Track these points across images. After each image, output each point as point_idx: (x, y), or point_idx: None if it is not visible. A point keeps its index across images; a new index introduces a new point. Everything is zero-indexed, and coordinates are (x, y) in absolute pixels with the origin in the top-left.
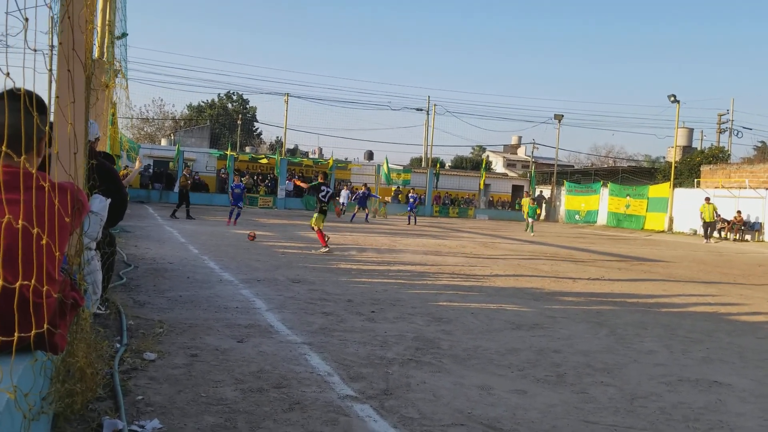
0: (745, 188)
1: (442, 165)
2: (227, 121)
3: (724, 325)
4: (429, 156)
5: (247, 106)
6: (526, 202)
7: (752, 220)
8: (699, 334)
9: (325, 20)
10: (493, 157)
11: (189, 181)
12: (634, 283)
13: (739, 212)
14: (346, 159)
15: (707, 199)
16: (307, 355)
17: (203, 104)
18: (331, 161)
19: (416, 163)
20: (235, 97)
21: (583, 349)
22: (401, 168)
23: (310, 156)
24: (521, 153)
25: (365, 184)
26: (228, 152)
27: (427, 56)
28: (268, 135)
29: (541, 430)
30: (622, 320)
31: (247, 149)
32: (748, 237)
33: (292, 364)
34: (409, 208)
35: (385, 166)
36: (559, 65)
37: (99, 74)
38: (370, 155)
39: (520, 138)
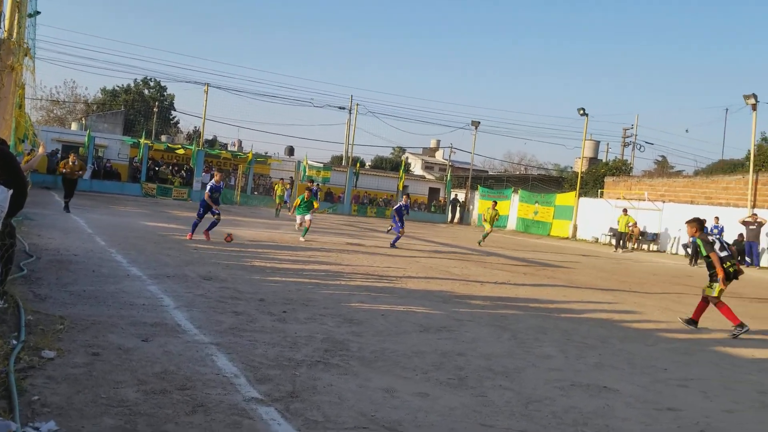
0: (644, 200)
1: (362, 164)
2: (143, 107)
3: (617, 332)
4: (350, 155)
5: (165, 93)
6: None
7: (649, 231)
8: (593, 340)
9: (248, 11)
10: (412, 159)
11: (72, 170)
12: (538, 288)
13: (635, 223)
14: (266, 153)
15: (624, 210)
16: (214, 355)
17: (118, 89)
18: (250, 155)
19: (337, 161)
20: (152, 84)
21: (485, 353)
22: (321, 165)
23: (229, 148)
24: (439, 156)
25: (312, 181)
26: (142, 140)
27: (350, 55)
28: (186, 124)
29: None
30: (524, 324)
31: (163, 138)
32: (645, 247)
33: (198, 365)
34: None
35: (305, 163)
36: (478, 74)
37: (5, 56)
38: (290, 151)
39: (438, 141)
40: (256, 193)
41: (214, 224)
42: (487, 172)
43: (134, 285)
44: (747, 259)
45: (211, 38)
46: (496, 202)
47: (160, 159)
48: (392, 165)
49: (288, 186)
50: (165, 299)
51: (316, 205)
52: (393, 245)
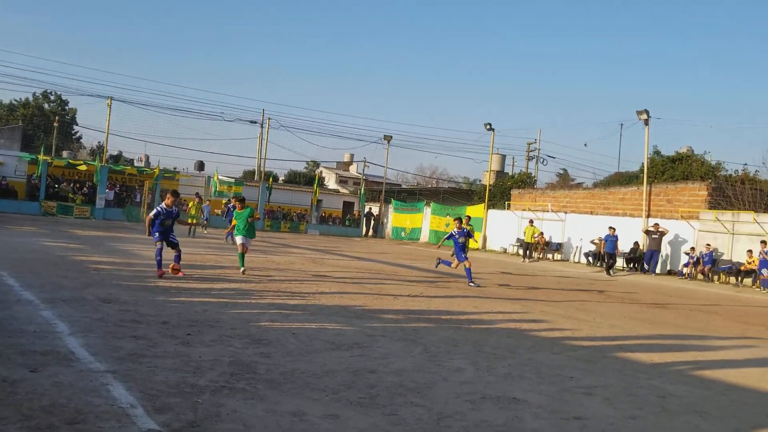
0: (548, 211)
1: (276, 179)
2: (43, 122)
3: (525, 341)
4: (262, 169)
5: (67, 107)
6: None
7: (554, 240)
8: (503, 351)
9: (156, 24)
10: (326, 173)
11: None
12: (449, 300)
13: (541, 233)
14: (175, 168)
15: (530, 221)
16: (109, 385)
17: (16, 103)
18: (157, 170)
19: (249, 176)
20: (53, 98)
21: (397, 369)
22: (233, 180)
23: (136, 164)
24: (353, 170)
25: (234, 197)
26: (41, 156)
27: (261, 70)
28: (90, 140)
29: None
30: (436, 337)
31: (64, 154)
32: (549, 256)
33: (91, 395)
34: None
35: (215, 178)
36: (389, 88)
37: None
38: (200, 165)
39: (352, 155)
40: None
41: (178, 256)
42: (400, 185)
43: (25, 310)
44: (645, 266)
45: (116, 51)
46: (469, 217)
47: (60, 176)
48: (306, 179)
49: (204, 203)
50: (59, 325)
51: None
52: (471, 282)
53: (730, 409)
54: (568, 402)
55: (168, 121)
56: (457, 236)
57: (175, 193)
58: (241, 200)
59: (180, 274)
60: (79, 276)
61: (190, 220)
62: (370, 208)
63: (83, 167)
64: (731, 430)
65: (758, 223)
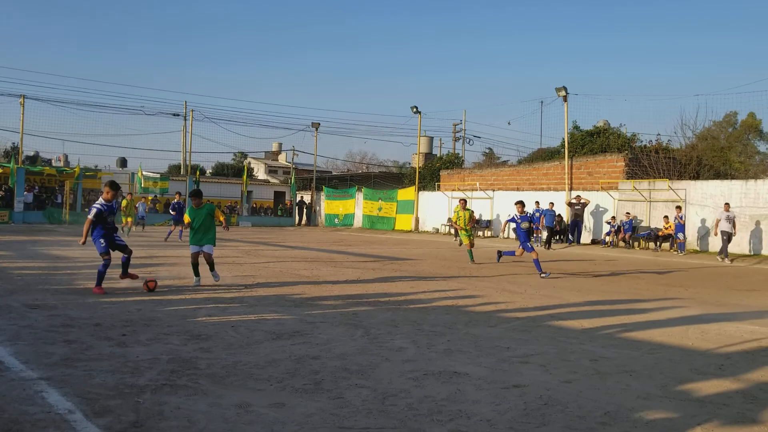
0: (477, 190)
1: (203, 172)
2: None
3: (462, 317)
4: (188, 163)
5: None
6: (463, 217)
7: (484, 218)
8: (442, 327)
9: (68, 16)
10: (254, 164)
11: None
12: (387, 283)
13: (472, 211)
14: (96, 167)
15: (464, 201)
16: (44, 392)
17: None
18: (77, 169)
19: (175, 170)
20: None
21: (340, 353)
22: (158, 176)
23: (54, 164)
24: (282, 159)
25: (179, 193)
26: None
27: (178, 62)
28: (2, 140)
29: None
30: (376, 320)
31: None
32: (480, 234)
33: (25, 404)
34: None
35: (140, 174)
36: (315, 75)
37: None
38: (123, 162)
39: (280, 145)
40: (86, 209)
41: (126, 260)
42: (330, 172)
43: None
44: (570, 237)
45: (26, 45)
46: (465, 201)
47: None
48: (234, 171)
49: (137, 199)
50: None
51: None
52: (542, 273)
53: (658, 367)
54: (507, 372)
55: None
56: (519, 221)
57: (115, 185)
58: (197, 194)
59: (135, 278)
60: (2, 283)
61: (124, 219)
62: (302, 197)
63: None
64: (659, 387)
65: (673, 189)
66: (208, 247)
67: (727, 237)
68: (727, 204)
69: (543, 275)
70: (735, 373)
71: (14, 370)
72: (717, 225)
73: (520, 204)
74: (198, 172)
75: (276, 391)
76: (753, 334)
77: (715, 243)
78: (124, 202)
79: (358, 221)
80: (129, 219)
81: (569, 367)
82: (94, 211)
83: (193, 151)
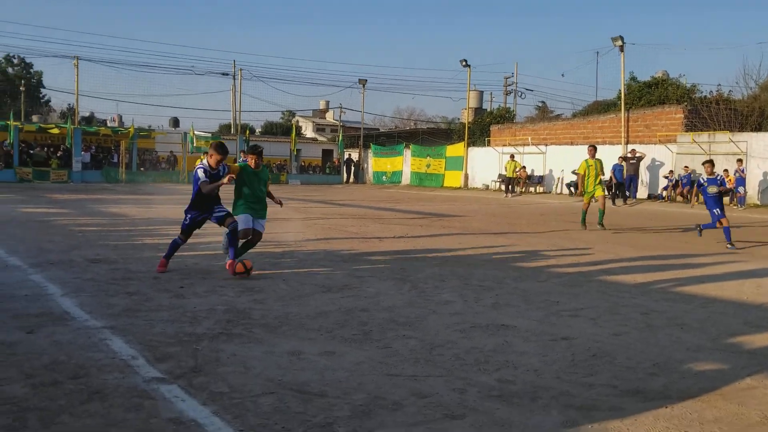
0: (528, 145)
1: (252, 131)
2: (8, 88)
3: (511, 272)
4: (238, 122)
5: (32, 70)
6: (590, 167)
7: (535, 173)
8: (490, 282)
9: None
10: (302, 122)
11: None
12: (434, 238)
13: (523, 167)
14: (150, 126)
15: (511, 156)
16: (108, 340)
17: None
18: (132, 129)
19: (225, 129)
20: (16, 61)
21: (388, 306)
22: (209, 135)
23: (109, 124)
24: (329, 117)
25: (243, 152)
26: (11, 122)
27: (229, 20)
28: (59, 102)
29: (348, 388)
30: (424, 274)
31: (34, 118)
32: (532, 189)
33: (91, 351)
34: None
35: (191, 134)
36: (361, 31)
37: None
38: (175, 122)
39: (327, 103)
40: (142, 169)
41: (232, 237)
42: (378, 129)
43: (14, 276)
44: (626, 192)
45: (76, 6)
46: (595, 148)
47: (33, 141)
48: (283, 129)
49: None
50: (50, 287)
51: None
52: (730, 243)
53: (709, 320)
54: (555, 325)
55: (138, 79)
56: (706, 185)
57: (222, 148)
58: (258, 152)
59: (243, 270)
60: (64, 239)
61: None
62: (350, 155)
63: (55, 131)
64: (710, 339)
65: (733, 142)
66: (262, 223)
67: None
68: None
69: (729, 246)
70: None
71: (79, 320)
72: None
73: (710, 164)
74: (248, 131)
75: (326, 340)
76: None
77: None
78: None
79: (406, 178)
80: None
81: (619, 320)
82: (200, 175)
83: (243, 110)
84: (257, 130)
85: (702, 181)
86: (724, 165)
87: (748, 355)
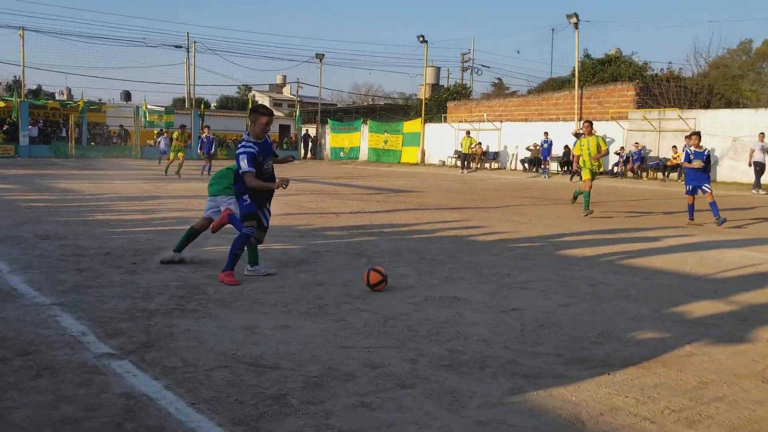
0: (484, 121)
1: (207, 106)
2: None
3: (465, 246)
4: (192, 96)
5: None
6: (587, 145)
7: (490, 150)
8: (444, 256)
9: None
10: (259, 97)
11: None
12: (391, 214)
13: (479, 144)
14: (100, 100)
15: (467, 132)
16: (58, 316)
17: None
18: (81, 103)
19: (179, 103)
20: None
21: (343, 280)
22: (162, 109)
23: (57, 98)
24: (286, 92)
25: (207, 127)
26: None
27: None
28: (3, 74)
29: (302, 361)
30: (379, 249)
31: None
32: (487, 166)
33: (40, 327)
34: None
35: (144, 107)
36: (318, 4)
37: None
38: (127, 96)
39: (285, 77)
40: (93, 144)
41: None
42: (335, 105)
43: None
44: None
45: None
46: (591, 123)
47: None
48: (239, 104)
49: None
50: None
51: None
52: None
53: (654, 292)
54: (506, 297)
55: (88, 51)
56: (693, 158)
57: (267, 109)
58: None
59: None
60: (12, 215)
61: (173, 155)
62: (307, 130)
63: (1, 104)
64: (653, 309)
65: (683, 119)
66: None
67: (761, 168)
68: (762, 134)
69: (719, 222)
70: (728, 296)
71: (28, 297)
72: (751, 155)
73: (697, 136)
74: (202, 106)
75: (281, 314)
76: (751, 260)
77: (721, 173)
78: (175, 135)
79: (363, 154)
80: (180, 155)
81: (568, 292)
82: (245, 158)
83: (197, 84)
84: (212, 105)
85: (689, 154)
86: (673, 142)
87: (689, 323)
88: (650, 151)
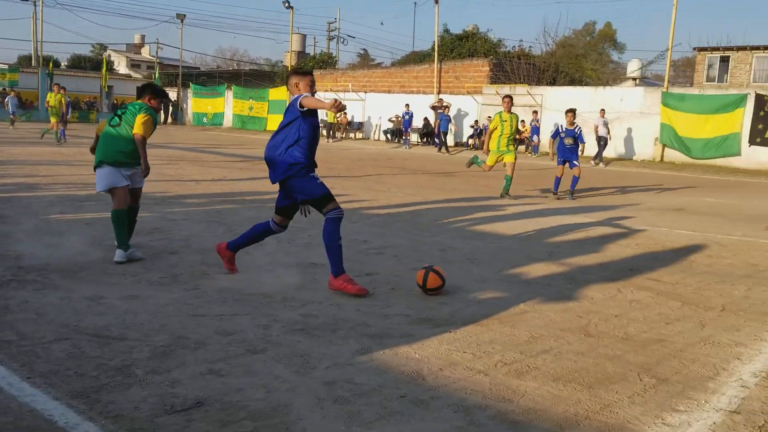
0: (349, 92)
1: (57, 64)
2: None
3: None
4: (40, 54)
5: None
6: (504, 123)
7: (355, 120)
8: (304, 224)
9: None
10: (115, 57)
11: None
12: (254, 182)
13: (344, 113)
14: None
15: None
16: None
17: None
18: None
19: (25, 61)
20: None
21: (199, 248)
22: (6, 67)
23: None
24: (145, 53)
25: (58, 86)
26: None
27: None
28: None
29: (149, 331)
30: (240, 217)
31: None
32: (352, 135)
33: None
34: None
35: None
36: None
37: None
38: None
39: (143, 37)
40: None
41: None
42: (198, 68)
43: None
44: (436, 140)
45: None
46: (511, 98)
47: None
48: (93, 64)
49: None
50: None
51: None
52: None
53: (497, 255)
54: (362, 262)
55: None
56: (563, 136)
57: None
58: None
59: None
60: None
61: (53, 120)
62: (168, 94)
63: None
64: (495, 271)
65: (531, 95)
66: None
67: (604, 142)
68: (602, 110)
69: (570, 196)
70: (561, 258)
71: None
72: (596, 130)
73: (571, 113)
74: (51, 64)
75: (131, 284)
76: (584, 226)
77: None
78: (50, 98)
79: (228, 121)
80: (53, 120)
81: (419, 256)
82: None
83: (46, 41)
84: (62, 64)
85: (560, 131)
86: (522, 116)
87: (525, 284)
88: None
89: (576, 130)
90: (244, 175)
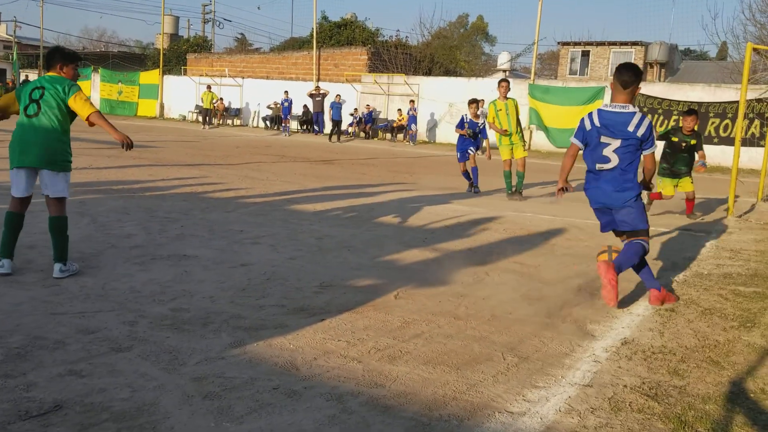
0: (226, 77)
1: None
2: None
3: (200, 203)
4: None
5: None
6: (500, 112)
7: (233, 106)
8: (177, 214)
9: None
10: None
11: None
12: (122, 170)
13: (221, 99)
14: None
15: (208, 87)
16: None
17: None
18: None
19: None
20: None
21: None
22: None
23: None
24: (2, 32)
25: None
26: None
27: None
28: None
29: (2, 332)
30: (106, 207)
31: None
32: (229, 122)
33: None
34: None
35: None
36: None
37: None
38: None
39: None
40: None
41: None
42: None
43: None
44: (315, 127)
45: None
46: (508, 83)
47: None
48: None
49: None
50: None
51: None
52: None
53: (373, 242)
54: (237, 252)
55: None
56: (467, 126)
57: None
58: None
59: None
60: None
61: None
62: (27, 76)
63: None
64: (371, 258)
65: (408, 84)
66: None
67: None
68: (481, 101)
69: (475, 190)
70: (434, 244)
71: None
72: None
73: (475, 104)
74: None
75: None
76: (456, 212)
77: (440, 135)
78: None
79: (95, 105)
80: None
81: (296, 245)
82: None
83: None
84: None
85: (464, 120)
86: (400, 105)
87: (399, 270)
88: (380, 112)
89: (478, 124)
90: (111, 164)
